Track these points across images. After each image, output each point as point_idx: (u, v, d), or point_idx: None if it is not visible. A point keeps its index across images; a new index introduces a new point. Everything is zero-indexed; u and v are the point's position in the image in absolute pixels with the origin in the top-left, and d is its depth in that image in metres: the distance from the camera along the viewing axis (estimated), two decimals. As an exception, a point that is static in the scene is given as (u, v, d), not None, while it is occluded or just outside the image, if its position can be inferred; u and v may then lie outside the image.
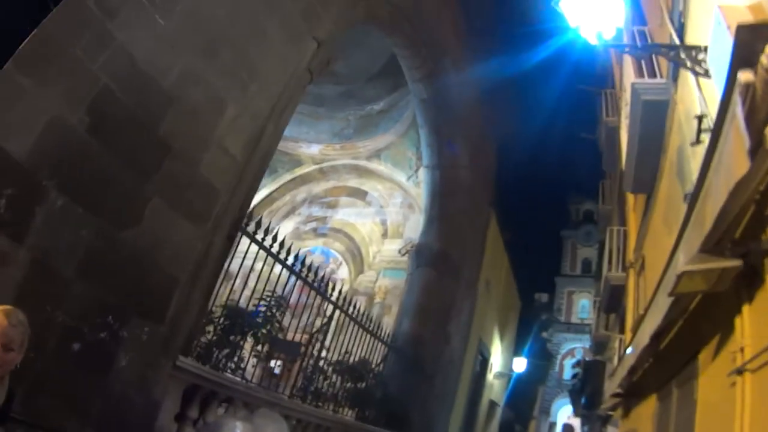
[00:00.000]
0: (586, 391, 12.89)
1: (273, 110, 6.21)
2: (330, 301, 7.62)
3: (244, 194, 5.90)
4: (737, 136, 2.28)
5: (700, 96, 3.88)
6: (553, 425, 33.93)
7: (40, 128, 4.03)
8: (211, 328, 5.91)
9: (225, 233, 5.62)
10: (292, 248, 6.69)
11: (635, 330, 6.31)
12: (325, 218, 15.47)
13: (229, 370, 5.93)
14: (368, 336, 8.91)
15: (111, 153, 4.52)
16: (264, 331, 6.23)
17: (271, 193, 15.64)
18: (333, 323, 8.26)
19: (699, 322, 3.85)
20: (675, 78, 5.33)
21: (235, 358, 6.09)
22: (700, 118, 3.67)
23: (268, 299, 6.39)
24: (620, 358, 8.16)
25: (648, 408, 5.98)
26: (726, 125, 2.57)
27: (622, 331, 9.96)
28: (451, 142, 11.73)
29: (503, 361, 15.70)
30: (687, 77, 4.66)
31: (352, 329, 8.40)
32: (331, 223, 15.28)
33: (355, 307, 8.28)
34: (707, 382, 3.70)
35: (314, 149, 15.50)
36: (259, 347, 6.29)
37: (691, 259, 2.88)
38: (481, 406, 14.25)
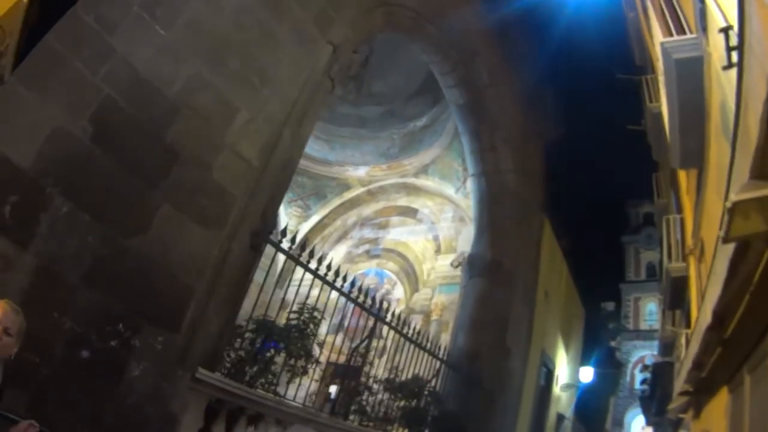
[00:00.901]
0: (656, 396, 11.82)
1: (290, 115, 6.14)
2: (371, 313, 7.31)
3: (264, 201, 5.80)
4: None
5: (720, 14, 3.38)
6: None
7: (44, 138, 4.11)
8: (241, 343, 5.80)
9: (244, 240, 5.51)
10: (345, 271, 6.75)
11: (696, 320, 5.61)
12: (377, 239, 15.31)
13: (260, 387, 5.74)
14: (422, 353, 8.52)
15: (116, 161, 4.55)
16: (298, 345, 6.02)
17: (322, 220, 15.68)
18: (389, 343, 8.00)
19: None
20: (704, 28, 4.80)
21: (269, 375, 5.91)
22: (726, 31, 3.14)
23: (300, 312, 6.18)
24: (686, 352, 7.33)
25: (719, 403, 5.22)
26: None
27: (687, 326, 9.09)
28: (493, 146, 11.32)
29: (569, 373, 14.73)
30: (715, 23, 4.17)
31: (403, 345, 8.10)
32: (384, 244, 15.09)
33: (406, 323, 8.05)
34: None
35: (361, 171, 15.47)
36: (293, 361, 6.05)
37: (742, 188, 2.28)
38: (548, 421, 13.35)
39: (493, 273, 11.03)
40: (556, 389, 13.87)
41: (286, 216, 15.00)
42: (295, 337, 5.93)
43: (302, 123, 6.50)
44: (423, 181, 14.36)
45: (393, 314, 7.75)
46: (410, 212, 15.15)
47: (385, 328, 7.83)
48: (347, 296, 6.91)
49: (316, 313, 6.26)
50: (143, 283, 4.66)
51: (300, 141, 6.66)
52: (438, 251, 13.94)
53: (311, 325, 6.19)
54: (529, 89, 12.09)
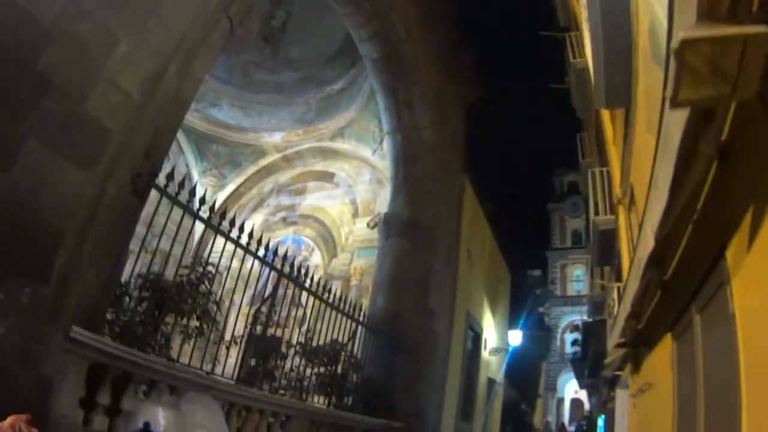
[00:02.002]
0: (588, 357, 12.13)
1: (177, 49, 5.53)
2: (291, 279, 6.95)
3: (146, 138, 5.20)
4: None
5: None
6: (561, 401, 33.49)
7: None
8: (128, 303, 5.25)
9: (124, 182, 4.92)
10: (261, 239, 6.50)
11: (631, 261, 5.41)
12: (293, 206, 14.80)
13: (153, 351, 5.22)
14: (342, 319, 8.19)
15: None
16: (190, 302, 5.50)
17: (237, 188, 15.01)
18: (308, 311, 7.63)
19: (722, 192, 2.69)
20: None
21: (159, 338, 5.40)
22: None
23: (192, 268, 5.67)
24: (619, 306, 7.28)
25: (662, 353, 4.92)
26: None
27: (618, 280, 9.22)
28: (409, 102, 11.07)
29: (498, 337, 14.89)
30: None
31: (324, 312, 7.77)
32: (300, 210, 14.60)
33: (326, 289, 7.76)
34: (747, 280, 2.48)
35: (277, 137, 14.89)
36: (185, 321, 5.55)
37: (690, 27, 1.72)
38: (479, 386, 13.46)
39: (411, 232, 10.84)
40: (485, 353, 13.96)
41: (201, 186, 14.19)
42: (185, 294, 5.43)
43: (194, 60, 5.91)
44: (339, 145, 13.98)
45: (311, 279, 7.47)
46: (327, 177, 14.74)
47: (305, 297, 7.54)
48: (267, 263, 6.61)
49: (210, 268, 5.78)
50: (5, 226, 4.01)
51: (193, 79, 6.07)
52: (356, 215, 13.63)
53: (205, 282, 5.69)
54: (448, 49, 11.90)
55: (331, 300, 7.93)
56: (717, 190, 2.77)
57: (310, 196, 14.74)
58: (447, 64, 12.02)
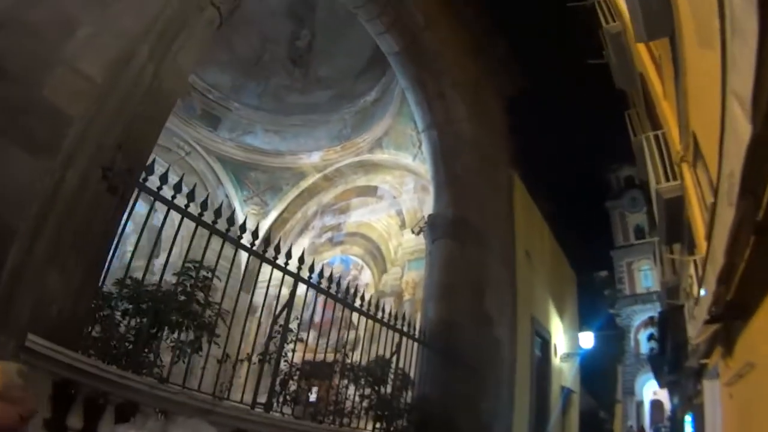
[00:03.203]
0: (666, 352, 10.56)
1: (149, 31, 5.06)
2: (342, 302, 6.54)
3: (117, 127, 4.68)
4: None
5: None
6: (640, 404, 31.13)
7: None
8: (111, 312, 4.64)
9: (87, 171, 4.38)
10: (308, 263, 6.17)
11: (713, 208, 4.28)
12: (339, 225, 14.22)
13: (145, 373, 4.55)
14: (387, 335, 7.40)
15: None
16: (182, 312, 4.79)
17: (281, 214, 14.63)
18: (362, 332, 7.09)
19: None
20: None
21: (146, 353, 4.72)
22: None
23: (183, 273, 5.00)
24: (702, 278, 5.99)
25: (765, 321, 3.91)
26: None
27: (692, 252, 7.88)
28: (441, 93, 10.28)
29: (568, 342, 13.41)
30: None
31: (374, 332, 7.20)
32: (346, 229, 13.98)
33: (379, 308, 7.20)
34: None
35: (315, 157, 14.48)
36: (177, 336, 4.83)
37: None
38: (552, 396, 12.03)
39: (459, 231, 9.88)
40: (556, 360, 12.57)
41: (243, 215, 13.90)
42: (175, 304, 4.76)
43: (176, 48, 5.43)
44: (379, 156, 13.35)
45: (363, 299, 6.97)
46: (370, 191, 14.10)
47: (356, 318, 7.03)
48: (315, 287, 6.22)
49: (205, 272, 5.07)
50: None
51: (178, 71, 5.59)
52: (403, 226, 12.84)
53: (199, 288, 4.98)
54: (478, 37, 11.09)
55: (380, 317, 7.18)
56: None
57: (354, 213, 14.14)
58: (479, 53, 11.19)
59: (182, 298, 4.90)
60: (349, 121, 14.24)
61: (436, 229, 10.06)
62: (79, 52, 4.56)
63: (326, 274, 6.47)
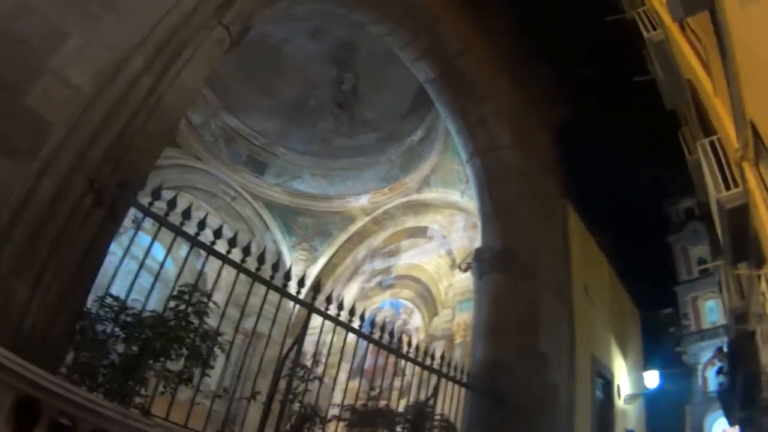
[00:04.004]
0: (737, 385, 9.08)
1: (143, 44, 4.94)
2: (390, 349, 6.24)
3: (105, 137, 4.48)
4: None
5: None
6: None
7: None
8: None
9: (64, 178, 4.15)
10: (359, 309, 6.12)
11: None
12: (388, 269, 13.64)
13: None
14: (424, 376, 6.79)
15: None
16: (168, 337, 4.33)
17: (330, 260, 14.25)
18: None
19: None
20: None
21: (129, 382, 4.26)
22: None
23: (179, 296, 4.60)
24: None
25: None
26: None
27: (760, 265, 6.79)
28: (482, 120, 9.76)
29: (632, 382, 11.97)
30: None
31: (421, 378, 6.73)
32: (396, 272, 13.38)
33: (427, 353, 6.74)
34: None
35: (363, 200, 14.16)
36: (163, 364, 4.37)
37: None
38: (616, 441, 10.59)
39: (508, 264, 9.07)
40: (620, 402, 11.16)
41: (291, 260, 13.67)
42: (162, 328, 4.33)
43: (176, 60, 5.29)
44: (427, 195, 12.86)
45: (401, 340, 6.52)
46: (420, 232, 13.52)
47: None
48: (362, 335, 6.06)
49: (199, 296, 4.64)
50: None
51: (181, 86, 5.44)
52: (453, 266, 12.08)
53: (191, 316, 4.55)
54: (519, 63, 10.60)
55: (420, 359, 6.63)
56: None
57: (404, 255, 13.57)
58: (521, 80, 10.65)
59: (172, 323, 4.48)
60: (397, 162, 13.93)
61: (484, 264, 9.30)
62: (68, 62, 4.48)
63: (375, 319, 6.67)
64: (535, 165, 10.29)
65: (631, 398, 11.39)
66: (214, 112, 13.07)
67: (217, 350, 4.81)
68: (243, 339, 8.49)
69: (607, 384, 10.83)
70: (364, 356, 8.40)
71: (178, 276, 4.70)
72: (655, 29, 8.31)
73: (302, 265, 13.90)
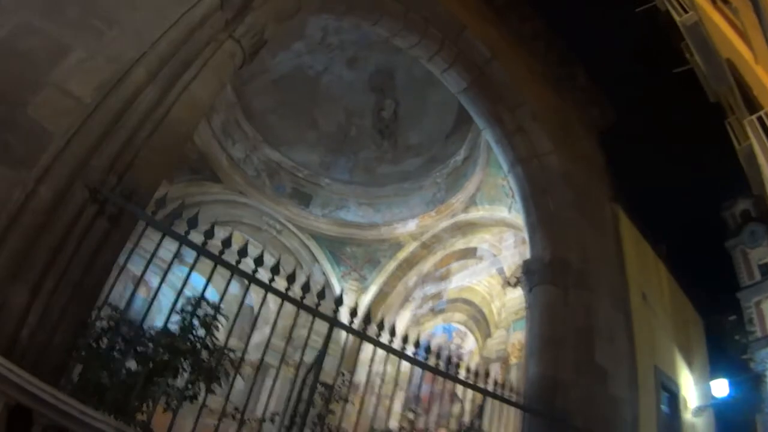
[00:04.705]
0: None
1: (146, 55, 4.98)
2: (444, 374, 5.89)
3: (95, 143, 4.45)
4: None
5: None
6: None
7: None
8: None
9: (60, 185, 4.13)
10: (412, 335, 5.83)
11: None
12: (440, 293, 13.14)
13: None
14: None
15: None
16: (173, 352, 4.12)
17: (381, 288, 13.93)
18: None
19: None
20: None
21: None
22: None
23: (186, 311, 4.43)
24: None
25: None
26: None
27: None
28: (520, 126, 9.34)
29: (700, 393, 10.74)
30: None
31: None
32: (447, 296, 12.85)
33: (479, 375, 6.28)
34: None
35: (411, 226, 13.86)
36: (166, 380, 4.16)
37: None
38: (684, 458, 9.44)
39: (559, 275, 8.45)
40: (687, 416, 10.06)
41: (339, 289, 13.47)
42: (165, 340, 4.14)
43: (183, 73, 5.31)
44: (474, 214, 12.42)
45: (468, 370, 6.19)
46: (469, 253, 13.02)
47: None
48: (414, 361, 5.70)
49: (208, 309, 4.42)
50: None
51: (191, 99, 5.42)
52: (505, 285, 11.46)
53: (197, 329, 4.34)
54: (552, 68, 10.22)
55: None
56: None
57: (455, 278, 13.07)
58: (558, 84, 10.22)
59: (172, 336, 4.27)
60: (442, 184, 13.63)
61: (533, 276, 8.71)
62: (69, 74, 4.56)
63: (426, 345, 5.87)
64: (581, 170, 9.72)
65: (699, 411, 10.29)
66: (254, 147, 13.30)
67: (229, 368, 4.54)
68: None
69: (673, 397, 9.85)
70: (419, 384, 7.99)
71: (219, 304, 4.51)
72: (686, 12, 7.86)
73: (353, 296, 13.65)
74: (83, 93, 4.52)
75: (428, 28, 8.82)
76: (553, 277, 8.48)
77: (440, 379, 5.96)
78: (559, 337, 7.95)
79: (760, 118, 6.27)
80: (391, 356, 5.44)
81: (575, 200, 9.20)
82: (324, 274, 13.65)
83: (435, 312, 12.98)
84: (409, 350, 5.61)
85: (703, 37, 7.50)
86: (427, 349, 5.74)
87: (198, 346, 4.25)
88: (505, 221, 11.74)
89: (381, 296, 13.88)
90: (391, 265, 13.93)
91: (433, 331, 12.38)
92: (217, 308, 4.52)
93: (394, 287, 13.98)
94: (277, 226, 13.53)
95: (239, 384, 4.66)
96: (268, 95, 13.12)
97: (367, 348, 5.32)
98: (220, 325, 4.54)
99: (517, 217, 11.05)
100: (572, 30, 10.29)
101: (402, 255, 13.88)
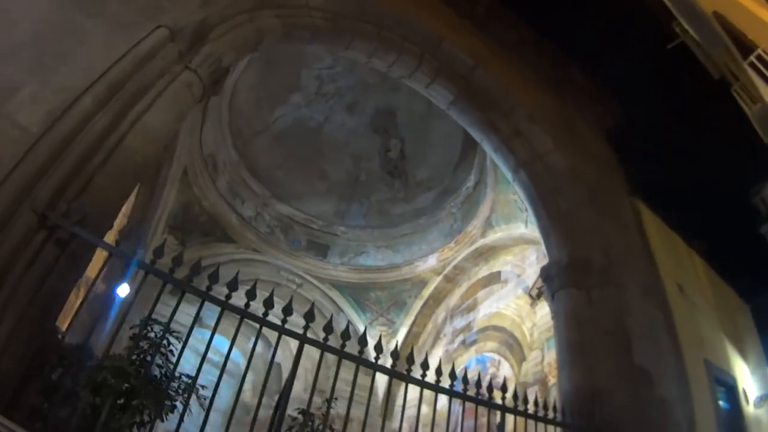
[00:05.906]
0: None
1: (94, 85, 5.02)
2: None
3: (41, 169, 4.39)
4: None
5: None
6: None
7: None
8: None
9: (3, 206, 4.04)
10: (446, 371, 5.52)
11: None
12: (469, 325, 12.42)
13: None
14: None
15: None
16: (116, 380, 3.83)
17: (410, 329, 13.36)
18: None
19: None
20: None
21: None
22: None
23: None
24: None
25: None
26: None
27: None
28: (516, 130, 9.02)
29: (761, 382, 9.46)
30: None
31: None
32: (477, 326, 12.12)
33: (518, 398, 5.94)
34: None
35: (432, 261, 13.45)
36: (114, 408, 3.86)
37: None
38: (751, 457, 8.13)
39: (580, 276, 7.82)
40: (749, 408, 8.86)
41: (370, 338, 12.92)
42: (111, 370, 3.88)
43: (136, 103, 5.32)
44: (492, 237, 11.97)
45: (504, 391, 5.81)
46: (494, 278, 12.39)
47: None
48: (453, 392, 5.41)
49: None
50: None
51: (144, 129, 5.37)
52: (533, 303, 10.74)
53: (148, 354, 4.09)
54: (545, 71, 10.00)
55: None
56: None
57: (482, 306, 12.37)
58: (555, 86, 9.95)
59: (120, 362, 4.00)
60: (458, 214, 13.29)
61: (552, 281, 8.11)
62: (19, 107, 4.61)
63: (461, 377, 5.62)
64: (591, 166, 9.25)
65: (761, 401, 9.09)
66: (264, 203, 13.32)
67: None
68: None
69: (730, 390, 8.76)
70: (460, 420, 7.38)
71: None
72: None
73: (384, 341, 13.05)
74: (30, 122, 4.54)
75: (404, 44, 8.75)
76: (574, 278, 7.85)
77: (483, 411, 5.53)
78: (591, 342, 7.25)
79: (759, 56, 5.78)
80: (426, 394, 5.16)
81: (588, 197, 8.68)
82: (350, 323, 13.19)
83: (467, 345, 12.25)
84: (445, 384, 5.23)
85: (695, 11, 7.14)
86: (464, 380, 5.42)
87: (141, 371, 3.97)
88: (524, 238, 11.22)
89: (411, 337, 13.31)
90: (418, 304, 13.42)
91: (467, 365, 11.62)
92: (167, 329, 4.29)
93: (423, 326, 13.40)
94: (297, 279, 13.30)
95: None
96: (272, 151, 13.27)
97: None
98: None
99: (535, 231, 10.52)
100: (565, 33, 10.06)
101: (427, 292, 13.39)
